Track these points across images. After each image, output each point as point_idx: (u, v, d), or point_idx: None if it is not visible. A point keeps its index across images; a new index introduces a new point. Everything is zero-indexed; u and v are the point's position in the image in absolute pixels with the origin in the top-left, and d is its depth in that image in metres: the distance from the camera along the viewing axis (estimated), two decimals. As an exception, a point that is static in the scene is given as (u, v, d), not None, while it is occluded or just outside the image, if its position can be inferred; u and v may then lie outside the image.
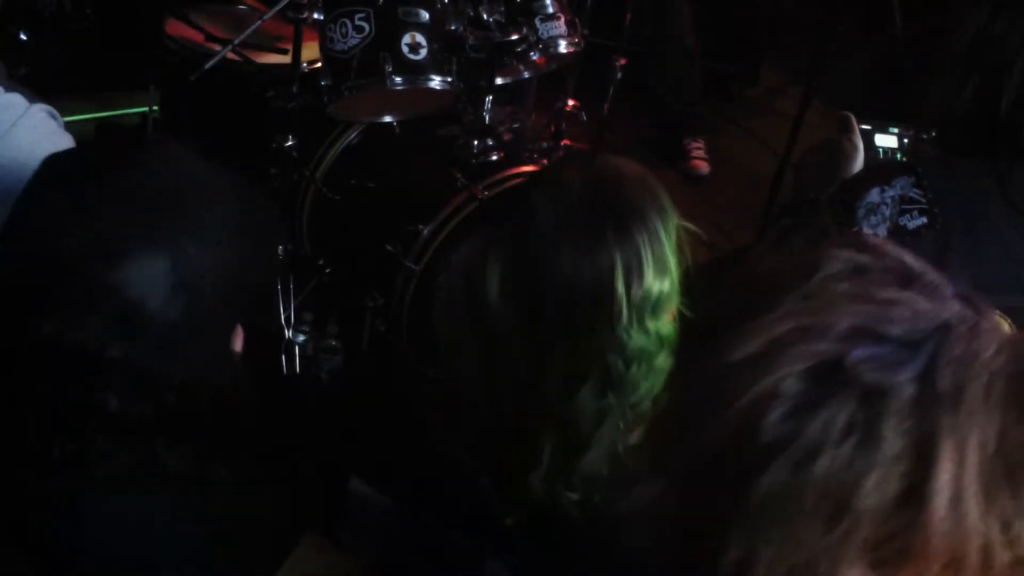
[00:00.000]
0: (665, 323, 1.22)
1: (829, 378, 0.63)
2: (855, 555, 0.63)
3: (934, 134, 1.53)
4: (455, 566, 1.22)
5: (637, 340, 1.19)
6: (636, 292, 1.18)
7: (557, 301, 1.18)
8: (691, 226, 1.26)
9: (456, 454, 1.22)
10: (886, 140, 1.71)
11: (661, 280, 1.20)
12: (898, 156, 1.69)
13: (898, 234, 1.31)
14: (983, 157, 1.35)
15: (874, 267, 0.70)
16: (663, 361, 1.22)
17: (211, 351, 1.04)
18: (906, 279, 0.69)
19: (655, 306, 1.20)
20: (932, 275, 0.71)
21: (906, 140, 1.71)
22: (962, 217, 1.31)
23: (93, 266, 0.93)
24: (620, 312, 1.18)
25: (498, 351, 1.21)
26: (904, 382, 0.63)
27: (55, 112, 1.44)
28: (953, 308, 0.67)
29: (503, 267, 1.21)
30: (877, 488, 0.62)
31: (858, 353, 0.64)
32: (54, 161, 1.04)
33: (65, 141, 1.41)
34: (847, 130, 1.63)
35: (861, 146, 1.62)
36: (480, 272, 1.21)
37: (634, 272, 1.18)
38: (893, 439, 0.62)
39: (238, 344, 1.10)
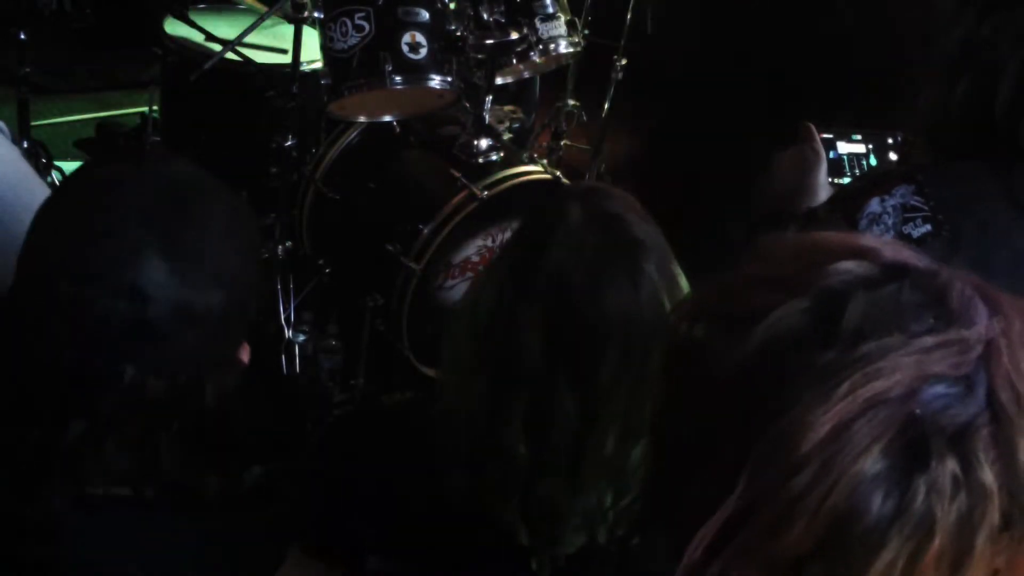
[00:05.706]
0: None
1: (912, 442, 0.63)
2: None
3: (921, 137, 1.52)
4: None
5: None
6: None
7: (612, 343, 1.08)
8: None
9: (464, 491, 1.14)
10: (850, 147, 1.70)
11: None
12: (866, 163, 1.69)
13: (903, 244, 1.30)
14: (979, 159, 1.35)
15: (897, 285, 0.68)
16: None
17: (220, 344, 1.06)
18: (933, 294, 0.68)
19: None
20: (952, 279, 0.70)
21: (871, 146, 1.70)
22: (967, 222, 1.30)
23: (114, 256, 0.97)
24: None
25: (514, 390, 1.12)
26: (976, 415, 0.63)
27: (2, 126, 1.44)
28: (982, 318, 0.67)
29: (537, 317, 1.11)
30: (987, 531, 0.63)
31: (925, 402, 0.63)
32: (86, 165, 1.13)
33: (9, 154, 1.40)
34: (809, 139, 1.64)
35: (824, 154, 1.63)
36: (506, 318, 1.13)
37: (677, 294, 1.10)
38: (989, 476, 0.63)
39: (244, 356, 1.12)
